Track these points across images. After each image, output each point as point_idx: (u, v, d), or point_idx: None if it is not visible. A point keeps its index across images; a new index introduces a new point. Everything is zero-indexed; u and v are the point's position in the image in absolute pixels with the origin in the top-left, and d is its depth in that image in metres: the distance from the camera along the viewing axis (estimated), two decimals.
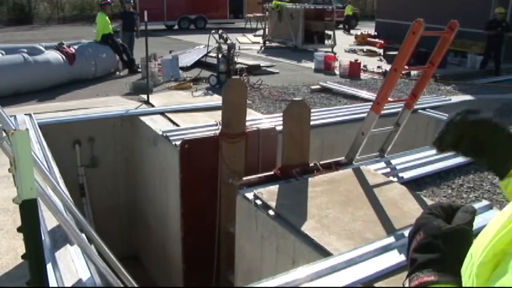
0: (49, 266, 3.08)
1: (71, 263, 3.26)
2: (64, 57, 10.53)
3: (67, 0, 34.70)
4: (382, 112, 5.17)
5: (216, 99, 8.51)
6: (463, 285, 0.87)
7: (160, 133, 6.65)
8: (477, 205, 4.24)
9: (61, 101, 8.85)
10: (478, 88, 11.64)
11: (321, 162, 5.13)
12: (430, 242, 0.97)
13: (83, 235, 3.48)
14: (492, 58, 13.95)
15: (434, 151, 5.75)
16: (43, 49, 10.41)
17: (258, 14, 25.32)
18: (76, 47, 11.20)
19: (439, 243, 0.96)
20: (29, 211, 2.46)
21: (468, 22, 13.14)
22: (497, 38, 13.63)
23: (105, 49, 11.97)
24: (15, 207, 2.57)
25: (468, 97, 10.44)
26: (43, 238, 3.29)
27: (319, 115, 7.75)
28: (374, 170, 5.18)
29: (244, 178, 4.75)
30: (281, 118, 5.11)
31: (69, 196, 4.01)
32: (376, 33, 22.95)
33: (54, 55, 10.38)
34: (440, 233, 0.97)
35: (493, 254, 0.76)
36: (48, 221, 3.74)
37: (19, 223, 2.62)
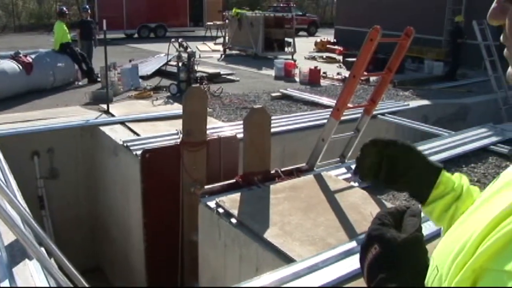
0: (5, 283, 3.00)
1: (30, 278, 3.18)
2: (20, 66, 10.28)
3: (24, 8, 34.01)
4: (342, 118, 5.23)
5: (177, 108, 8.46)
6: None
7: (121, 143, 6.57)
8: None
9: (18, 112, 8.64)
10: (435, 93, 11.94)
11: (282, 169, 5.15)
12: (387, 257, 0.96)
13: (42, 248, 3.41)
14: (450, 64, 14.35)
15: None
16: None
17: (218, 22, 25.33)
18: (33, 56, 10.93)
19: (395, 256, 0.95)
20: None
21: (424, 29, 13.49)
22: (463, 45, 13.99)
23: (64, 58, 11.75)
24: None
25: (425, 102, 10.67)
26: None
27: (279, 122, 7.80)
28: (335, 176, 5.24)
29: (206, 187, 4.73)
30: (242, 126, 5.12)
31: (27, 209, 3.92)
32: (335, 40, 23.27)
33: (10, 65, 10.14)
34: (395, 245, 0.96)
35: (471, 271, 0.75)
36: (5, 235, 3.64)
37: None
